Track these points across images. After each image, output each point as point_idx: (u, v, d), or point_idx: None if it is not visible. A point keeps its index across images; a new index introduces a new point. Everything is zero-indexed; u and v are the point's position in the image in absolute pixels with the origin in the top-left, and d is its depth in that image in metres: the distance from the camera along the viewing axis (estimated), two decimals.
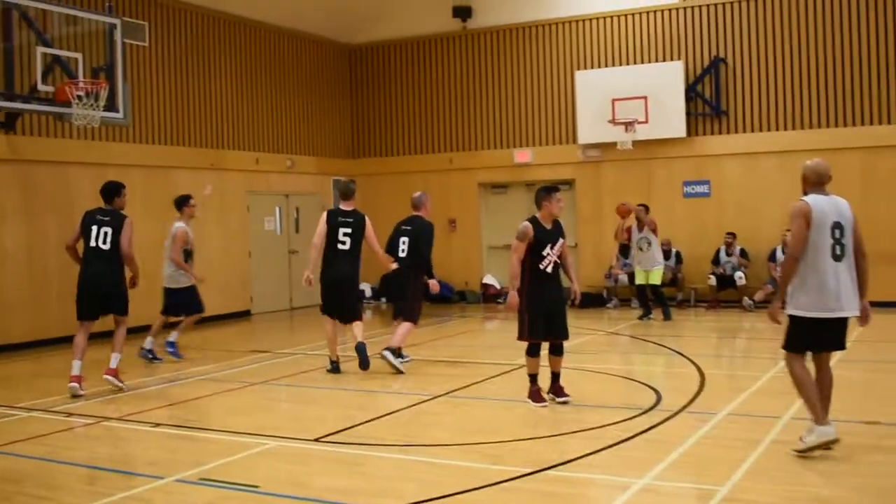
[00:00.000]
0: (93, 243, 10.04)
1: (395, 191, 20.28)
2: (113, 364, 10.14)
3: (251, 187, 18.53)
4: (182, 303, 12.43)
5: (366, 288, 20.88)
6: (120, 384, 10.12)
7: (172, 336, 12.48)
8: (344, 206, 11.15)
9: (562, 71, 19.35)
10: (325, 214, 11.10)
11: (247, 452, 7.28)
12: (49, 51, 12.47)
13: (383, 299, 20.28)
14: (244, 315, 18.17)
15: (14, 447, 7.69)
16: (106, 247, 10.00)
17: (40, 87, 12.17)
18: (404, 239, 11.36)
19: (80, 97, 12.19)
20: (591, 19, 19.06)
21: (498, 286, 19.65)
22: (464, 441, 7.54)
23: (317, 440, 7.61)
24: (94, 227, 10.05)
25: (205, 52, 17.79)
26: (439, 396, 9.43)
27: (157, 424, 8.40)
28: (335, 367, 11.05)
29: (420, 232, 11.37)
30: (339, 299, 11.02)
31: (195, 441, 7.87)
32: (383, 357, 10.95)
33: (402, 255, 11.32)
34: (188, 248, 12.39)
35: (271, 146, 19.33)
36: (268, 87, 19.33)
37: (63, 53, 12.66)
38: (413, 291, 11.45)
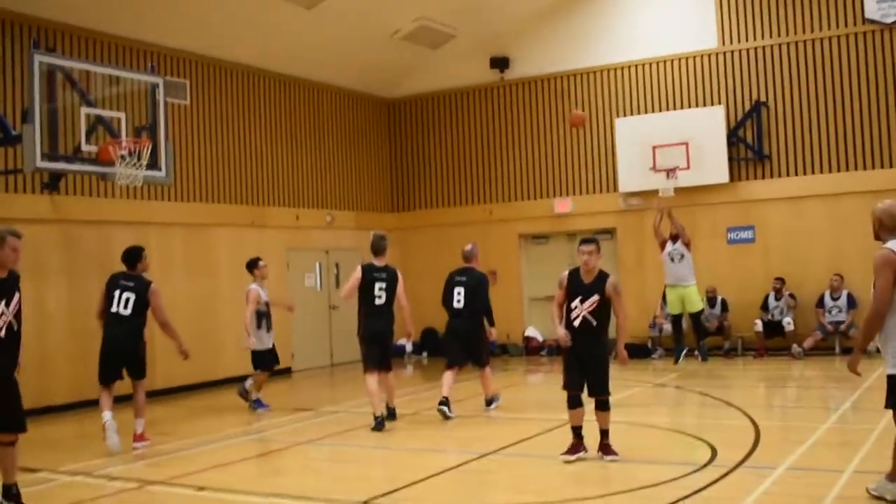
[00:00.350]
0: (114, 308, 10.31)
1: (435, 243, 20.25)
2: (139, 430, 10.37)
3: (291, 244, 18.50)
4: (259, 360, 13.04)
5: (406, 343, 20.71)
6: (146, 445, 10.34)
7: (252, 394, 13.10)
8: (377, 262, 11.21)
9: (601, 119, 19.25)
10: (359, 268, 11.19)
11: None
12: (93, 111, 12.55)
13: (424, 353, 20.15)
14: (285, 372, 18.04)
15: None
16: (127, 312, 10.28)
17: (84, 147, 12.24)
18: (459, 290, 11.87)
19: (123, 156, 12.26)
20: (629, 66, 19.00)
21: (540, 338, 19.44)
22: (512, 502, 7.32)
23: (363, 503, 7.42)
24: (117, 293, 10.35)
25: (244, 109, 17.89)
26: (486, 455, 9.21)
27: (202, 488, 8.25)
28: (379, 424, 10.89)
29: (477, 284, 11.96)
30: (381, 351, 11.20)
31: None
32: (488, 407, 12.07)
33: (457, 305, 11.86)
34: (261, 308, 12.84)
35: (311, 202, 19.35)
36: (307, 143, 19.41)
37: (106, 113, 12.73)
38: (479, 338, 12.03)
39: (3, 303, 7.09)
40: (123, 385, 10.48)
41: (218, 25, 16.08)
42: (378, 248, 11.29)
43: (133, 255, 10.63)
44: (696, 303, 16.29)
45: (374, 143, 21.50)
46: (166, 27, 15.59)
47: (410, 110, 21.73)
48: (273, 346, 13.18)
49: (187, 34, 16.07)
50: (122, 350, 10.27)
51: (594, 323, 8.58)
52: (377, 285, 11.03)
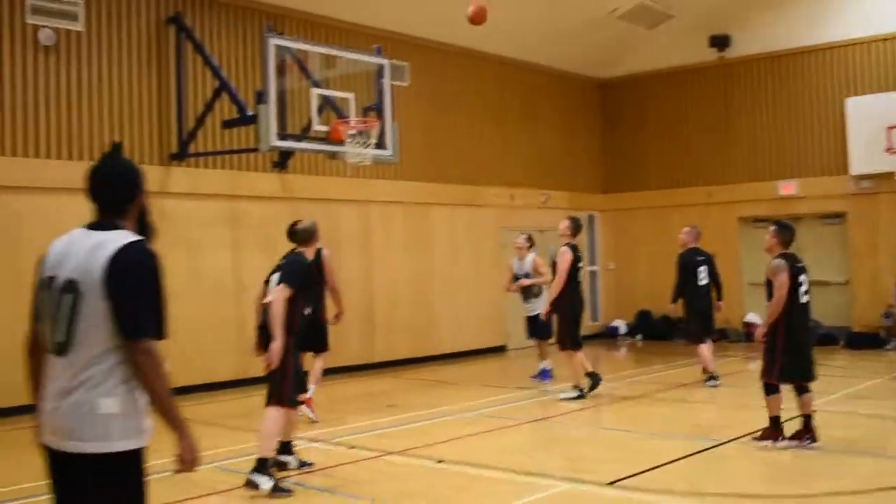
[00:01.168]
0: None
1: (649, 226, 19.84)
2: (309, 394, 10.22)
3: (506, 223, 18.49)
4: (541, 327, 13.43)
5: (620, 325, 20.45)
6: (311, 415, 10.27)
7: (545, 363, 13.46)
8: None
9: (830, 98, 18.26)
10: (568, 250, 11.68)
11: (540, 495, 7.04)
12: (325, 92, 12.83)
13: (639, 336, 19.81)
14: (500, 350, 18.09)
15: (304, 478, 7.77)
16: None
17: (316, 127, 12.53)
18: (702, 268, 12.90)
19: (352, 136, 12.49)
20: (863, 43, 17.92)
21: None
22: (764, 492, 6.99)
23: (610, 484, 7.25)
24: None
25: (461, 91, 17.98)
26: (729, 441, 8.86)
27: (441, 461, 8.28)
28: (587, 391, 11.50)
29: (713, 259, 13.11)
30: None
31: (482, 481, 7.69)
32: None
33: (702, 282, 12.87)
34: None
35: (526, 182, 19.28)
36: (522, 124, 19.33)
37: (338, 94, 12.99)
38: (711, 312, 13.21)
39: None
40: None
41: (438, 9, 16.17)
42: (577, 227, 12.07)
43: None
44: None
45: (588, 124, 21.23)
46: (388, 11, 15.81)
47: (624, 90, 21.30)
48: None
49: (408, 18, 16.26)
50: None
51: None
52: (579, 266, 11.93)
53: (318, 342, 10.37)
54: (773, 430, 8.46)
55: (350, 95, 12.97)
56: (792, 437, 8.39)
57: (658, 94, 20.72)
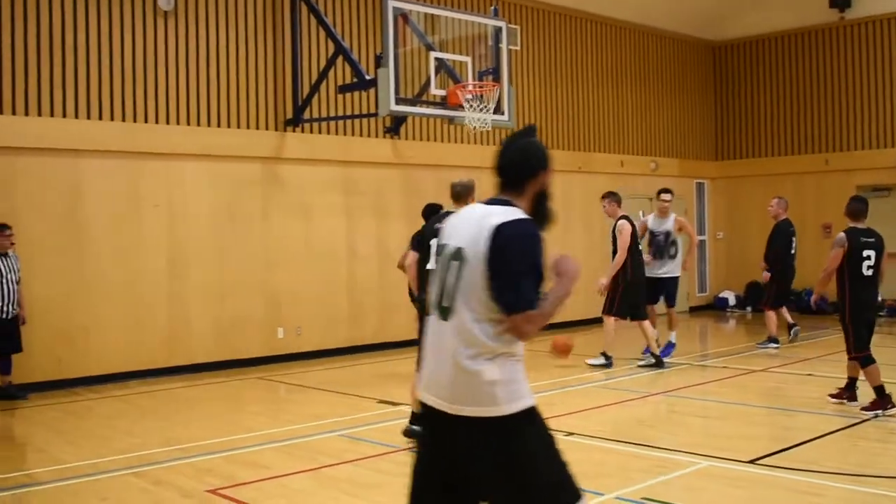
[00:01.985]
0: None
1: (763, 194, 19.21)
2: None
3: (617, 190, 18.10)
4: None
5: (729, 296, 19.99)
6: None
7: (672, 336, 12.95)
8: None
9: None
10: (626, 222, 11.95)
11: (681, 472, 6.82)
12: (443, 55, 12.61)
13: (749, 308, 19.34)
14: (597, 322, 17.74)
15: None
16: None
17: (434, 91, 12.34)
18: (794, 239, 13.65)
19: (468, 100, 12.29)
20: None
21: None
22: None
23: (752, 462, 7.00)
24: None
25: (570, 55, 17.66)
26: (867, 420, 8.51)
27: (570, 433, 8.12)
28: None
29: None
30: None
31: (618, 454, 7.51)
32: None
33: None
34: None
35: (635, 148, 18.88)
36: (632, 89, 18.91)
37: (455, 58, 12.77)
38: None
39: None
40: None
41: None
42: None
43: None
44: None
45: (700, 88, 20.67)
46: None
47: (738, 54, 20.67)
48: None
49: None
50: None
51: None
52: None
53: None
54: (881, 400, 8.62)
55: (467, 59, 12.75)
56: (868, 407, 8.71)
57: (773, 58, 20.06)
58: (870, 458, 7.28)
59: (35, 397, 10.59)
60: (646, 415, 9.27)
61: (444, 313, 3.46)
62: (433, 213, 12.14)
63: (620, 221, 12.02)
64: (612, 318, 12.03)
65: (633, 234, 11.96)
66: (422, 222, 11.66)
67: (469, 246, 3.41)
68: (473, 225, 3.45)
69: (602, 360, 12.04)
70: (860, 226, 8.79)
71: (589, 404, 9.55)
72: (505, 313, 3.31)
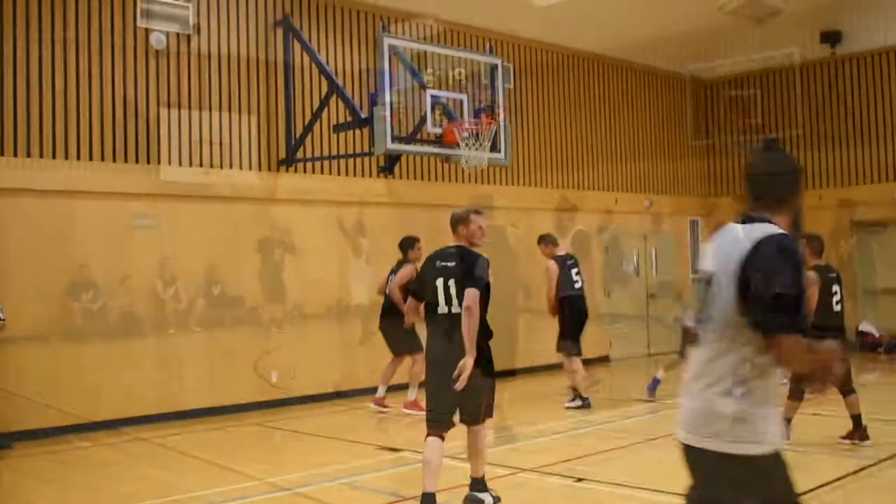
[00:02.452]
0: None
1: None
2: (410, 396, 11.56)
3: (610, 228, 18.01)
4: None
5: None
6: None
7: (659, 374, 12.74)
8: None
9: None
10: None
11: None
12: (440, 93, 12.46)
13: None
14: (603, 360, 17.57)
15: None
16: None
17: (430, 129, 12.17)
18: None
19: (465, 138, 12.13)
20: None
21: (876, 334, 17.90)
22: None
23: None
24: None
25: (561, 92, 17.59)
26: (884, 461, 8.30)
27: (580, 479, 7.86)
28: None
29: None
30: None
31: (631, 501, 7.26)
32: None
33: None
34: None
35: (629, 186, 18.77)
36: (623, 126, 18.84)
37: (451, 95, 12.62)
38: None
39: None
40: None
41: (539, 9, 15.75)
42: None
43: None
44: None
45: (693, 126, 20.62)
46: (491, 11, 15.44)
47: (729, 90, 20.64)
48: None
49: (511, 18, 15.88)
50: None
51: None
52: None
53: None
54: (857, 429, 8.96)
55: (463, 96, 12.61)
56: (845, 437, 8.97)
57: (763, 93, 20.04)
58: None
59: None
60: (654, 456, 8.97)
61: (697, 340, 3.39)
62: (410, 247, 12.08)
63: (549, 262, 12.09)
64: (570, 358, 11.86)
65: (563, 271, 11.96)
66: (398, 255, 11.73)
67: (721, 267, 3.31)
68: (728, 244, 3.34)
69: (578, 402, 11.85)
70: (821, 263, 8.96)
71: (592, 449, 9.30)
72: (757, 335, 3.14)
